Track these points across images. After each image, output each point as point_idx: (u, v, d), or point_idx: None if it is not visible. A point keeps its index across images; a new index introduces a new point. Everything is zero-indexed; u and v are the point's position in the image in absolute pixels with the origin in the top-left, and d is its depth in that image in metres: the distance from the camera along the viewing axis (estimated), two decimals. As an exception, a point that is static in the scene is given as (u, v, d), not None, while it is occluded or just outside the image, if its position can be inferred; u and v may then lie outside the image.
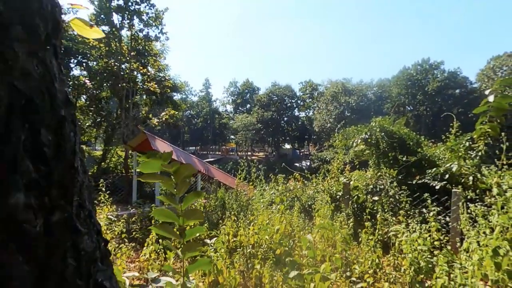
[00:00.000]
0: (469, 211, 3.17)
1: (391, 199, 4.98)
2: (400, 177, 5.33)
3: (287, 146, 65.91)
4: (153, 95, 17.74)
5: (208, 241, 3.58)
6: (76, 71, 17.34)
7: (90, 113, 16.91)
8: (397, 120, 6.65)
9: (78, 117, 15.54)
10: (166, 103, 18.81)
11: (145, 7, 15.91)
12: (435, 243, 3.30)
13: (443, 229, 3.75)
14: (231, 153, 67.24)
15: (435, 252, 3.17)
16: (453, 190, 3.99)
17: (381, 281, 3.30)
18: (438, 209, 3.82)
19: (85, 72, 17.43)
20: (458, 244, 3.34)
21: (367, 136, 6.20)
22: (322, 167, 7.28)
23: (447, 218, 4.24)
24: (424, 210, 4.41)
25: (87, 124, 17.42)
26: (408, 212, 4.32)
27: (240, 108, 70.14)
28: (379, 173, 5.77)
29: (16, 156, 0.43)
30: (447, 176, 4.86)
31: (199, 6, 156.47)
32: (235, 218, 4.68)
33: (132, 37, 16.17)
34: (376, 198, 5.12)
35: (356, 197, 5.27)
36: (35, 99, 0.47)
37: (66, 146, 0.52)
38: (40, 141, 0.47)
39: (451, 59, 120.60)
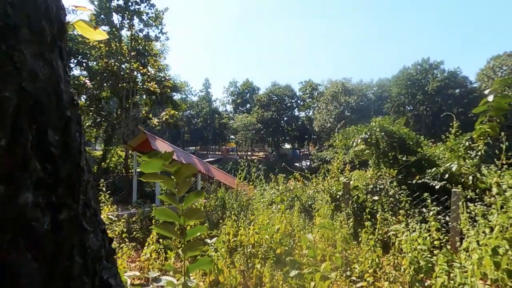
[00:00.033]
0: (468, 210, 3.18)
1: (391, 198, 4.99)
2: (400, 177, 5.34)
3: (287, 146, 65.93)
4: (153, 95, 17.76)
5: (208, 240, 3.59)
6: (76, 71, 17.35)
7: (90, 113, 16.91)
8: (397, 120, 6.66)
9: (78, 117, 15.45)
10: (166, 103, 18.82)
11: (145, 7, 15.93)
12: (435, 242, 3.31)
13: (443, 229, 3.76)
14: (231, 153, 67.28)
15: (435, 252, 3.18)
16: (452, 189, 4.00)
17: (381, 280, 3.32)
18: (438, 208, 3.84)
19: (85, 72, 17.44)
20: (458, 243, 3.35)
21: (367, 136, 6.21)
22: (322, 167, 7.29)
23: (447, 218, 4.25)
24: (424, 209, 4.42)
25: (87, 124, 17.42)
26: (408, 212, 4.33)
27: (240, 108, 70.16)
28: (379, 173, 5.78)
29: (25, 155, 0.44)
30: (447, 175, 4.87)
31: (199, 6, 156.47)
32: (236, 218, 4.69)
33: (132, 37, 16.18)
34: (376, 197, 5.13)
35: (356, 196, 5.29)
36: (42, 100, 0.48)
37: (72, 146, 0.53)
38: (47, 141, 0.48)
39: (451, 59, 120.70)
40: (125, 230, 5.10)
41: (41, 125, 0.48)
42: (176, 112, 18.61)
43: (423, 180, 5.11)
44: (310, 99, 62.88)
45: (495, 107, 4.51)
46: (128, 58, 15.75)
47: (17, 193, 0.42)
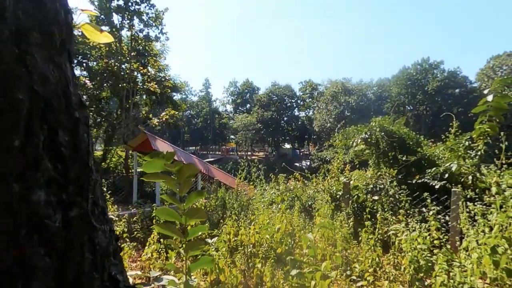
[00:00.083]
0: (468, 210, 3.20)
1: (391, 198, 5.00)
2: (400, 177, 5.36)
3: (287, 146, 65.94)
4: (153, 95, 17.77)
5: (209, 240, 3.61)
6: (76, 71, 17.31)
7: (91, 113, 16.91)
8: (397, 119, 6.68)
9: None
10: (166, 103, 18.84)
11: (145, 7, 15.95)
12: (435, 242, 3.32)
13: (443, 228, 3.77)
14: (231, 153, 67.30)
15: (435, 251, 3.19)
16: (452, 189, 4.02)
17: (381, 279, 3.33)
18: (438, 208, 3.85)
19: (85, 72, 17.45)
20: (458, 243, 3.36)
21: (367, 136, 6.22)
22: (322, 166, 7.31)
23: (447, 217, 4.26)
24: (423, 209, 4.44)
25: (88, 124, 17.37)
26: (408, 211, 4.34)
27: (240, 108, 70.18)
28: (379, 173, 5.80)
29: (37, 155, 0.46)
30: (446, 175, 4.88)
31: (199, 6, 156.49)
32: (236, 218, 4.71)
33: (132, 37, 16.19)
34: (376, 197, 5.15)
35: (356, 196, 5.30)
36: (53, 102, 0.50)
37: (81, 146, 0.55)
38: (58, 141, 0.50)
39: (451, 59, 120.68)
40: (126, 230, 5.12)
41: (52, 126, 0.49)
42: (176, 112, 18.62)
43: (423, 179, 5.12)
44: (310, 99, 62.88)
45: (495, 107, 4.52)
46: (128, 58, 15.76)
47: (30, 191, 0.44)
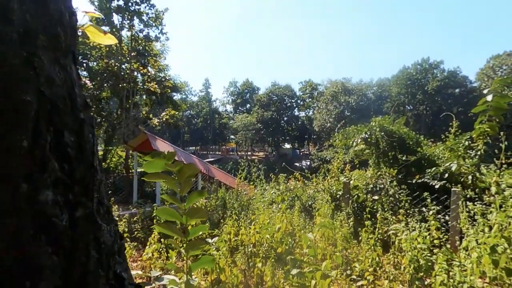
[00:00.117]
0: (468, 209, 3.20)
1: (391, 198, 5.01)
2: (400, 177, 5.36)
3: (287, 145, 65.94)
4: (153, 95, 17.77)
5: (209, 240, 3.61)
6: (76, 72, 17.30)
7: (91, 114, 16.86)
8: (396, 119, 6.68)
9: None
10: (166, 103, 18.84)
11: (145, 7, 15.94)
12: (435, 241, 3.33)
13: (443, 228, 3.78)
14: (231, 153, 67.30)
15: (435, 251, 3.19)
16: (452, 189, 4.03)
17: (381, 279, 3.34)
18: (438, 208, 3.86)
19: (85, 73, 17.44)
20: (458, 242, 3.37)
21: (367, 136, 6.23)
22: (322, 166, 7.32)
23: (447, 217, 4.27)
24: (423, 209, 4.44)
25: (88, 124, 17.36)
26: (408, 211, 4.35)
27: (240, 108, 70.17)
28: (379, 173, 5.81)
29: (44, 156, 0.47)
30: (446, 175, 4.89)
31: (199, 6, 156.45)
32: (236, 218, 4.71)
33: (132, 37, 16.19)
34: (376, 197, 5.16)
35: (356, 196, 5.31)
36: (59, 104, 0.51)
37: (86, 147, 0.56)
38: (64, 142, 0.51)
39: (451, 59, 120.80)
40: (126, 230, 5.12)
41: (58, 128, 0.50)
42: (176, 112, 18.62)
43: (423, 179, 5.13)
44: (310, 99, 62.88)
45: (494, 106, 4.52)
46: (128, 58, 15.76)
47: (38, 191, 0.45)
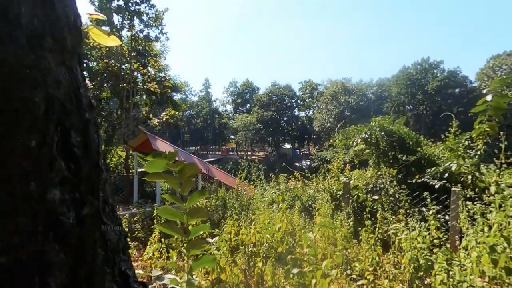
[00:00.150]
0: (467, 209, 3.21)
1: (391, 198, 5.02)
2: (399, 176, 5.38)
3: (287, 145, 65.96)
4: (153, 95, 17.78)
5: (210, 240, 3.63)
6: (76, 72, 17.29)
7: (91, 114, 16.84)
8: (396, 119, 6.69)
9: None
10: (166, 103, 18.86)
11: (145, 7, 15.97)
12: (435, 241, 3.34)
13: (443, 228, 3.79)
14: (231, 153, 67.32)
15: (435, 250, 3.20)
16: (452, 189, 4.04)
17: (381, 278, 3.35)
18: (438, 207, 3.87)
19: (85, 73, 17.43)
20: (457, 242, 3.38)
21: (367, 136, 6.24)
22: (322, 166, 7.33)
23: (447, 217, 4.28)
24: (423, 208, 4.45)
25: (88, 124, 17.35)
26: (408, 211, 4.36)
27: (240, 108, 70.19)
28: (379, 172, 5.82)
29: (52, 156, 0.48)
30: (446, 175, 4.90)
31: (199, 6, 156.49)
32: (237, 217, 4.73)
33: (133, 37, 16.21)
34: (376, 197, 5.17)
35: (356, 196, 5.32)
36: (66, 104, 0.52)
37: (92, 147, 0.57)
38: (71, 142, 0.52)
39: (451, 58, 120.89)
40: (127, 229, 5.14)
41: (65, 128, 0.51)
42: (176, 112, 18.64)
43: (422, 179, 5.14)
44: (310, 99, 62.89)
45: (494, 106, 4.53)
46: (128, 58, 15.78)
47: (46, 190, 0.46)
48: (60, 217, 0.48)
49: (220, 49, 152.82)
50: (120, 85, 15.49)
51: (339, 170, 6.57)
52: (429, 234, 3.38)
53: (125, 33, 16.44)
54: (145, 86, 17.05)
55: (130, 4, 15.39)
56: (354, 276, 3.27)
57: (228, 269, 3.28)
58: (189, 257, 1.47)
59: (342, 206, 5.37)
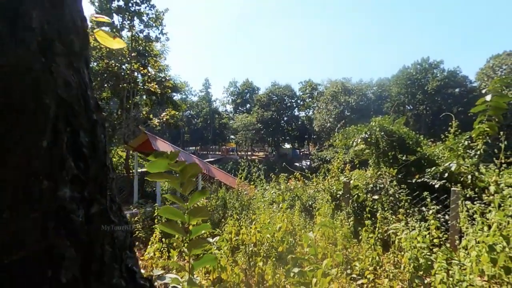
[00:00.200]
0: (467, 208, 3.23)
1: (391, 197, 5.04)
2: (399, 176, 5.39)
3: (287, 145, 65.96)
4: (154, 95, 17.80)
5: (210, 239, 3.64)
6: (77, 72, 17.31)
7: (91, 114, 16.85)
8: (396, 119, 6.70)
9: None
10: (166, 104, 18.88)
11: (146, 8, 16.00)
12: (434, 240, 3.35)
13: (442, 227, 3.80)
14: (231, 153, 67.32)
15: (434, 250, 3.22)
16: (452, 188, 4.05)
17: (381, 277, 3.37)
18: (438, 207, 3.88)
19: (86, 73, 17.44)
20: (457, 241, 3.40)
21: (367, 136, 6.26)
22: (322, 166, 7.34)
23: (446, 216, 4.29)
24: (423, 208, 4.46)
25: (88, 124, 17.37)
26: (408, 211, 4.37)
27: (240, 108, 70.20)
28: (379, 172, 5.83)
29: (62, 155, 0.50)
30: (446, 175, 4.91)
31: (199, 6, 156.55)
32: (237, 217, 4.74)
33: (133, 38, 16.23)
34: (376, 197, 5.18)
35: (356, 196, 5.34)
36: (74, 105, 0.54)
37: (99, 146, 0.59)
38: (79, 142, 0.54)
39: (451, 58, 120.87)
40: (128, 229, 5.14)
41: (74, 128, 0.53)
42: (176, 113, 18.66)
43: (422, 179, 5.15)
44: (310, 99, 62.91)
45: (494, 106, 4.54)
46: (128, 59, 15.81)
47: (57, 188, 0.48)
48: (71, 214, 0.49)
49: (220, 49, 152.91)
50: (120, 86, 15.51)
51: (339, 170, 6.58)
52: (429, 233, 3.39)
53: (125, 33, 16.47)
54: (145, 86, 17.07)
55: (130, 4, 15.42)
56: (354, 275, 3.28)
57: (229, 269, 3.29)
58: (190, 257, 1.48)
59: (342, 206, 5.39)
